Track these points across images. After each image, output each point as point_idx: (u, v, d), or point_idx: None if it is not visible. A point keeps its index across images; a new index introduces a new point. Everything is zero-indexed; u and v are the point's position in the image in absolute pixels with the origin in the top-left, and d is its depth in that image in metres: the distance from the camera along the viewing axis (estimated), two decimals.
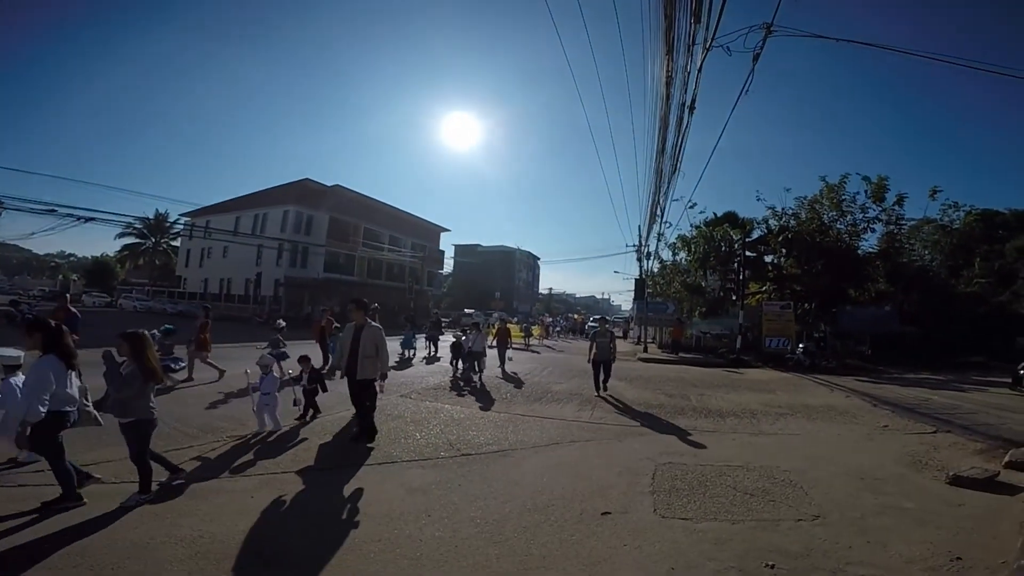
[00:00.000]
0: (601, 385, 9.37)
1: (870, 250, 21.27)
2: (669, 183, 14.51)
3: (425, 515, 3.68)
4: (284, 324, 10.47)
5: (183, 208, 49.40)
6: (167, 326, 8.40)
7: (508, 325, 19.80)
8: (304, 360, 6.58)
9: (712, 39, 6.92)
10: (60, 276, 75.30)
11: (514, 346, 18.25)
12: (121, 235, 46.74)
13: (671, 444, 5.96)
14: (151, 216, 47.04)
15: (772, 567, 2.97)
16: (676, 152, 11.20)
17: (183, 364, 8.55)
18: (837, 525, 3.64)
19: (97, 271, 57.08)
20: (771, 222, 21.51)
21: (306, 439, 5.69)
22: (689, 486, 4.48)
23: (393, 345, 13.22)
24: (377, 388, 5.58)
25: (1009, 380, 11.60)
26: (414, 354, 14.84)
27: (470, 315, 31.67)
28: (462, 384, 10.16)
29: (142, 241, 49.72)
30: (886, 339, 19.03)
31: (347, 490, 4.24)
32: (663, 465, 5.05)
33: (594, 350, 9.42)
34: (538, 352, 18.79)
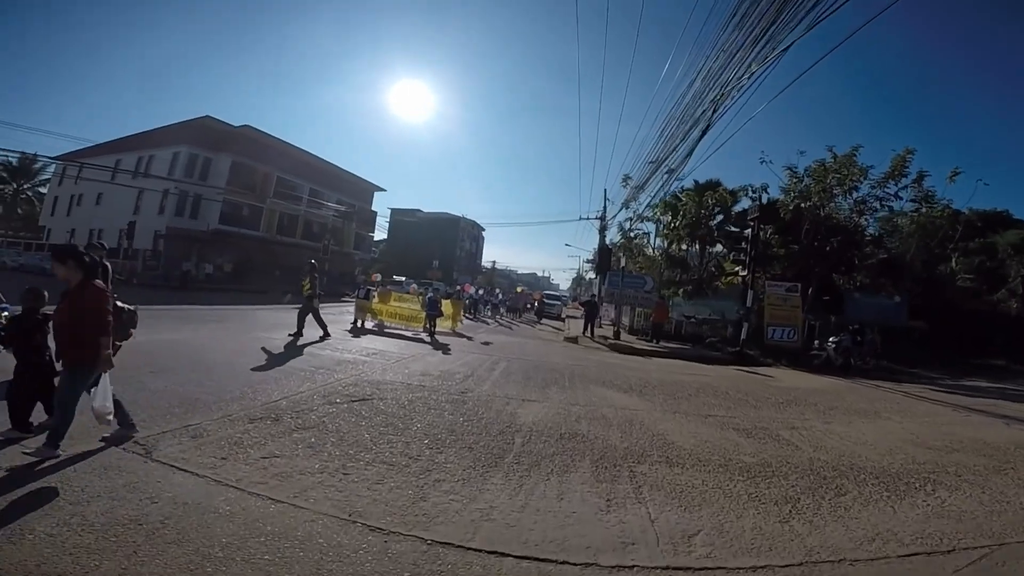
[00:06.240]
0: None
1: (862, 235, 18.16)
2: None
3: None
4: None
5: (62, 147, 39.86)
6: None
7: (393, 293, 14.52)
8: None
9: None
10: None
11: (392, 330, 12.25)
12: None
13: None
14: (14, 160, 39.08)
15: None
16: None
17: None
18: None
19: None
20: (784, 182, 17.48)
21: None
22: None
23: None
24: None
25: None
26: None
27: (400, 283, 26.31)
28: None
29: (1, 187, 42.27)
30: (894, 334, 16.09)
31: None
32: None
33: None
34: (438, 349, 9.84)
